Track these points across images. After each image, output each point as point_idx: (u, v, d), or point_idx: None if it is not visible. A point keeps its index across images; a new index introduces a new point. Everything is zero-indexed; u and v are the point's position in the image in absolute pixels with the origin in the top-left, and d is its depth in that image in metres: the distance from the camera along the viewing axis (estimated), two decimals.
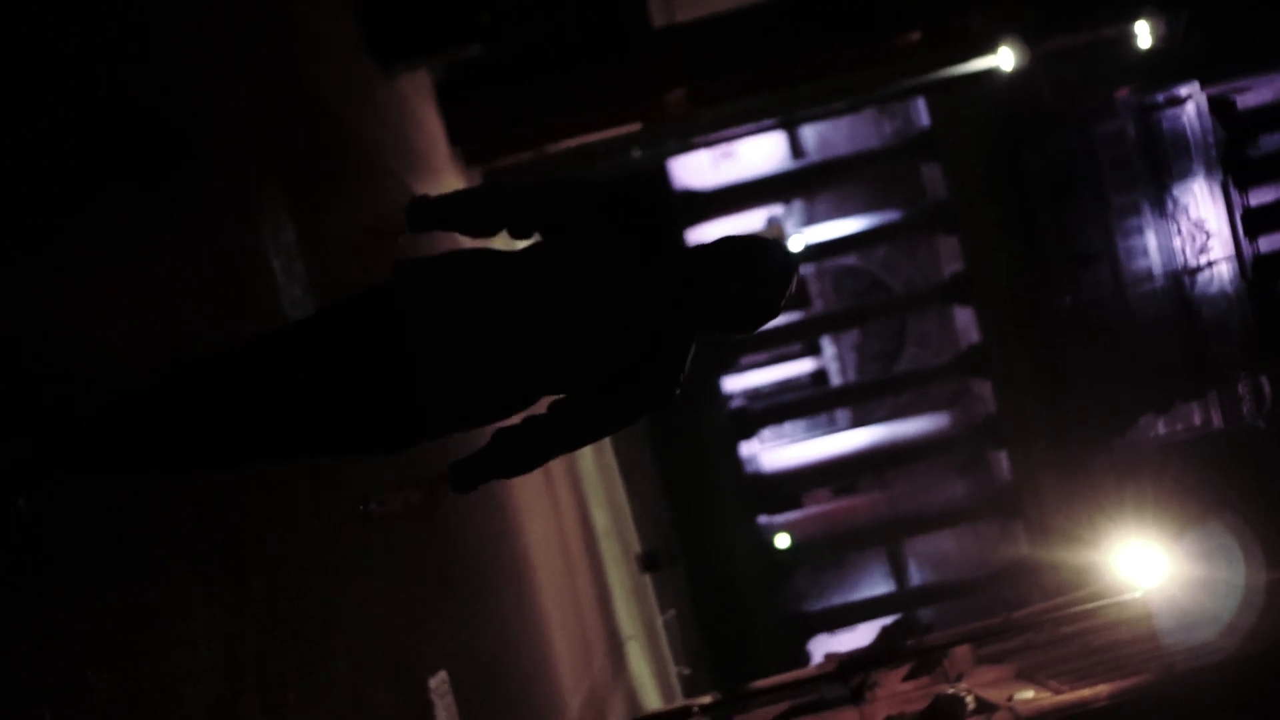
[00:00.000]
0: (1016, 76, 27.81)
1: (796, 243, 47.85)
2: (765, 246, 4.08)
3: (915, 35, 17.48)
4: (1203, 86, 48.21)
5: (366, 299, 3.99)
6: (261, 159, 6.16)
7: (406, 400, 3.94)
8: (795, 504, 51.57)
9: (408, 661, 6.55)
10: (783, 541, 48.86)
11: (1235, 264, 54.35)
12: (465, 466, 4.05)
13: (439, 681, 6.95)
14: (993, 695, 17.58)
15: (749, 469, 50.24)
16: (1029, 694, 17.54)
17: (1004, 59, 25.65)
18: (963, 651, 18.97)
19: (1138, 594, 18.40)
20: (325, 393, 3.89)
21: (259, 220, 5.64)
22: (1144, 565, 17.85)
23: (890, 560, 52.50)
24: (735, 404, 46.68)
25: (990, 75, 26.97)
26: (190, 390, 3.85)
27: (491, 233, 4.14)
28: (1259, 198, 54.70)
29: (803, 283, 54.65)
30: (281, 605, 4.82)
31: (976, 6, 17.73)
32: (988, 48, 24.41)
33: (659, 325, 4.02)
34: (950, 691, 17.41)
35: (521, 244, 4.19)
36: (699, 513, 41.37)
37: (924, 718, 17.52)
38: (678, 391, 4.08)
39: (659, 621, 31.33)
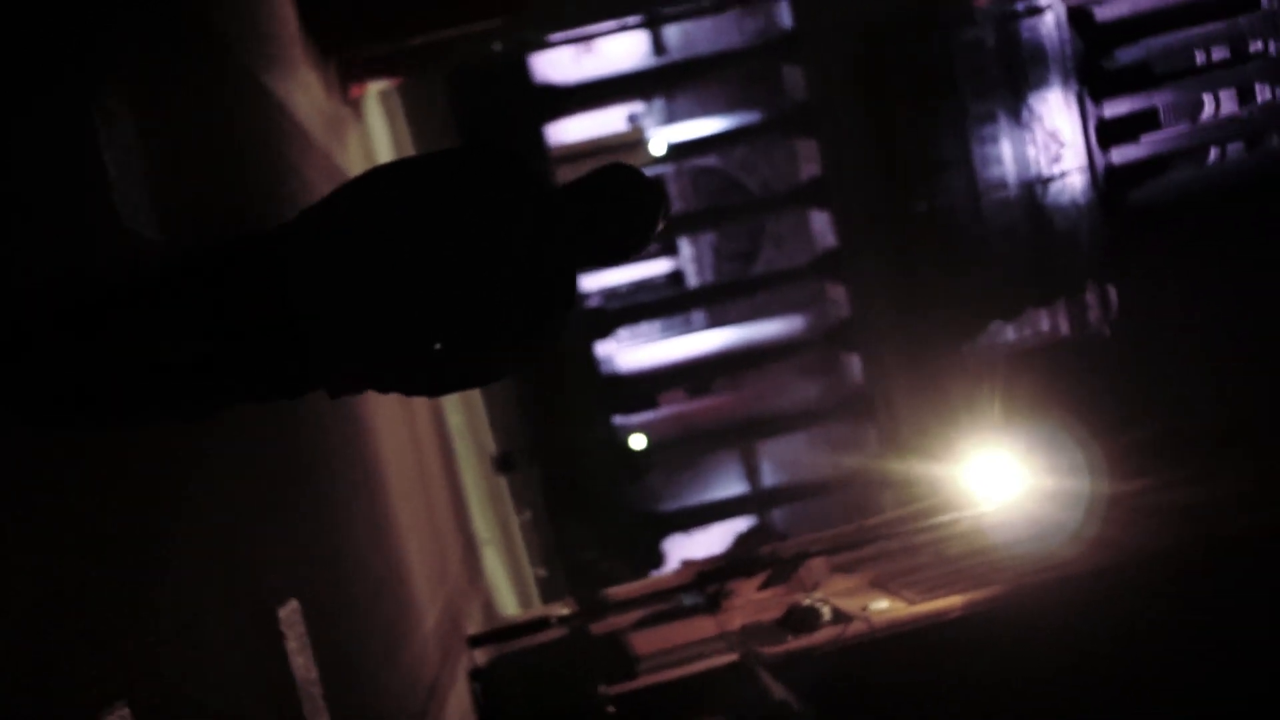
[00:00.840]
0: None
1: (657, 143, 47.50)
2: (634, 177, 4.18)
3: None
4: None
5: (251, 251, 4.05)
6: (99, 49, 5.62)
7: (300, 356, 4.03)
8: (651, 404, 51.65)
9: (254, 594, 6.16)
10: (638, 442, 48.93)
11: (1088, 174, 55.15)
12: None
13: (289, 612, 6.59)
14: (848, 605, 17.68)
15: (605, 369, 50.12)
16: (884, 604, 17.67)
17: None
18: (818, 561, 19.05)
19: (986, 506, 18.60)
20: (219, 358, 4.00)
21: (95, 116, 5.12)
22: (994, 478, 18.02)
23: (744, 462, 52.91)
24: (591, 303, 46.43)
25: None
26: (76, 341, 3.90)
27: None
28: (1113, 109, 55.45)
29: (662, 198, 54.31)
30: (100, 532, 4.38)
31: None
32: None
33: (544, 270, 4.11)
34: (806, 602, 17.47)
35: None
36: (555, 413, 41.18)
37: (780, 626, 17.58)
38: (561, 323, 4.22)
39: (515, 524, 31.19)
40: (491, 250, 4.05)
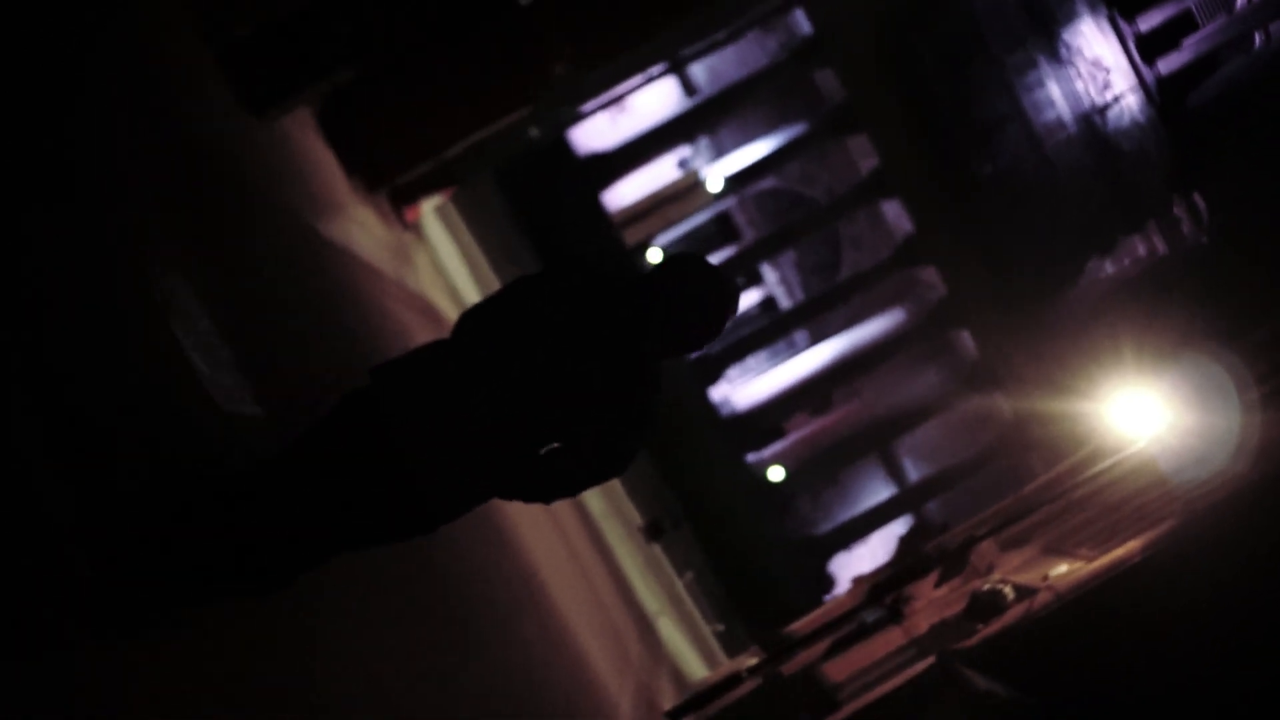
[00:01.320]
0: None
1: (714, 180, 47.44)
2: (702, 272, 4.40)
3: None
4: None
5: (350, 414, 4.24)
6: (157, 243, 5.69)
7: (418, 504, 4.24)
8: (778, 434, 51.35)
9: None
10: (776, 474, 48.62)
11: (1140, 92, 54.32)
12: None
13: None
14: (1028, 578, 17.33)
15: (724, 412, 49.95)
16: (1063, 568, 17.30)
17: None
18: (986, 544, 18.73)
19: (1139, 443, 18.20)
20: (342, 522, 4.23)
21: (167, 314, 5.17)
22: (1137, 411, 17.65)
23: (885, 465, 52.38)
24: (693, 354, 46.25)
25: None
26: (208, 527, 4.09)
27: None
28: (1147, 22, 54.58)
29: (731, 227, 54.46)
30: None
31: None
32: None
33: (625, 369, 4.34)
34: (985, 587, 17.15)
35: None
36: (688, 467, 41.08)
37: (967, 618, 17.27)
38: (657, 413, 4.45)
39: (680, 587, 31.06)
40: (580, 354, 4.31)
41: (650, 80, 34.13)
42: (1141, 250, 55.78)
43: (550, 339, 4.31)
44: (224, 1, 10.96)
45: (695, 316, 4.39)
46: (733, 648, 28.28)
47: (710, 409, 48.03)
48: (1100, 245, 54.94)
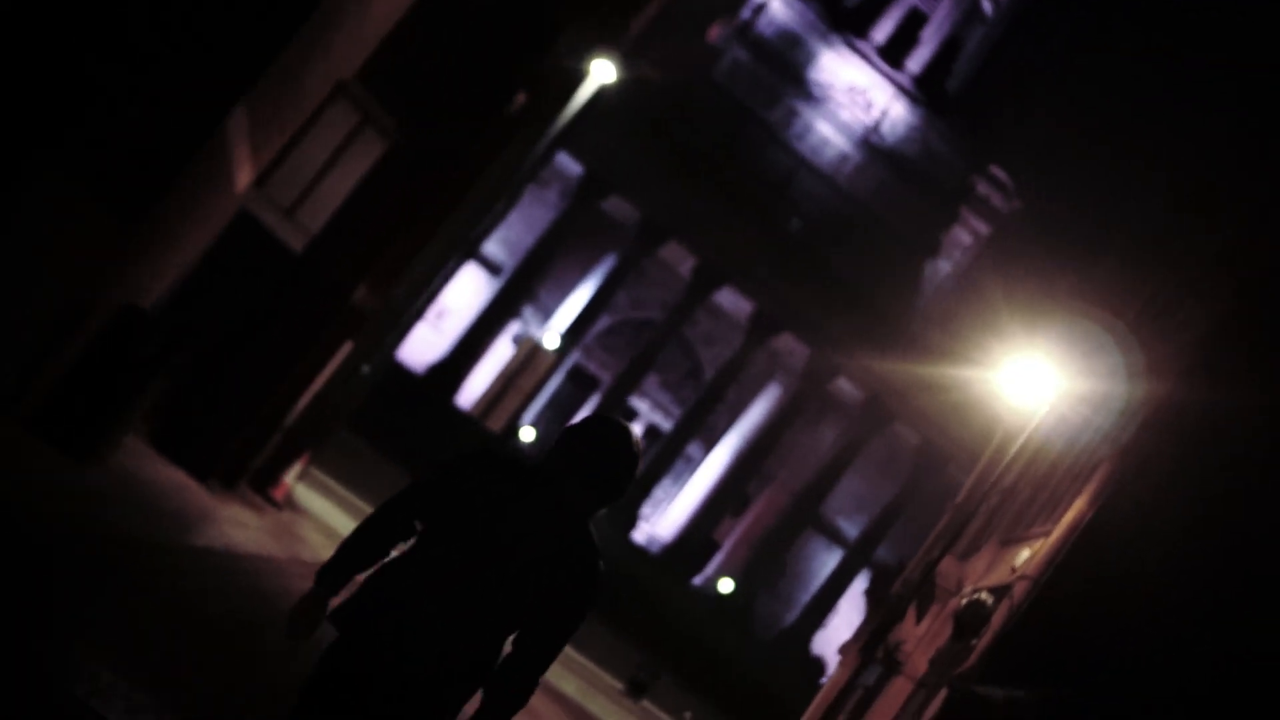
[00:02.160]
0: (624, 81, 27.97)
1: (550, 339, 47.56)
2: (590, 432, 4.67)
3: (521, 98, 17.17)
4: None
5: (332, 667, 4.55)
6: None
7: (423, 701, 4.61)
8: (713, 548, 51.05)
9: None
10: (726, 586, 48.24)
11: (902, 97, 55.77)
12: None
13: None
14: (998, 577, 17.25)
15: (654, 550, 49.59)
16: (1025, 553, 17.25)
17: (604, 73, 25.74)
18: (945, 563, 18.63)
19: (1041, 411, 18.31)
20: None
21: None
22: (1033, 383, 17.77)
23: (823, 533, 52.31)
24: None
25: (603, 93, 27.04)
26: None
27: (388, 552, 4.80)
28: (881, 32, 56.21)
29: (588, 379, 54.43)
30: None
31: (553, 44, 17.40)
32: (583, 74, 24.44)
33: (557, 532, 4.65)
34: (963, 602, 17.03)
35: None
36: (642, 616, 40.52)
37: (959, 639, 17.10)
38: (601, 565, 4.71)
39: None
40: (514, 522, 4.65)
41: (451, 275, 34.13)
42: (966, 237, 56.96)
43: (484, 514, 4.62)
44: (13, 377, 10.69)
45: (606, 463, 4.63)
46: None
47: (640, 551, 47.57)
48: (928, 247, 55.94)
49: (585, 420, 4.61)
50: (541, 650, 4.65)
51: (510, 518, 4.59)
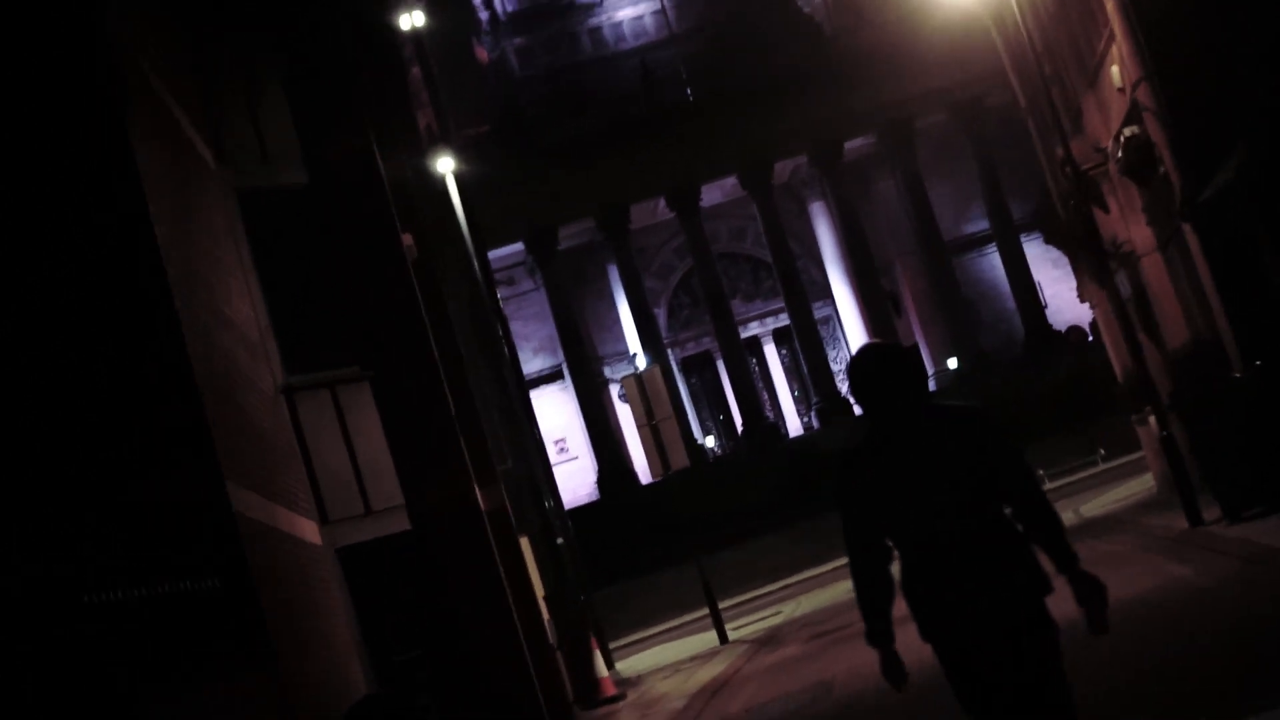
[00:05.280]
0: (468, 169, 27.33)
1: (641, 363, 46.64)
2: (855, 372, 5.37)
3: (408, 240, 16.36)
4: None
5: (957, 663, 5.22)
6: None
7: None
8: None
9: None
10: None
11: (654, 6, 54.29)
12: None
13: None
14: (1118, 107, 15.99)
15: None
16: (1114, 70, 16.04)
17: (446, 166, 24.99)
18: (1076, 147, 17.39)
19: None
20: None
21: None
22: None
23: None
24: None
25: (462, 182, 26.27)
26: None
27: (889, 577, 5.35)
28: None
29: None
30: None
31: (379, 191, 16.53)
32: (433, 184, 23.71)
33: (929, 434, 5.27)
34: (1119, 155, 15.84)
35: None
36: None
37: (1147, 182, 15.89)
38: (974, 406, 5.42)
39: None
40: (919, 470, 5.18)
41: (527, 414, 33.41)
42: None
43: (895, 483, 5.27)
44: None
45: (878, 378, 5.30)
46: None
47: None
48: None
49: (849, 370, 5.33)
50: (1021, 488, 5.11)
51: (904, 463, 5.15)
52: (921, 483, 5.10)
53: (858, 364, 5.27)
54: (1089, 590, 5.00)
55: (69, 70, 9.84)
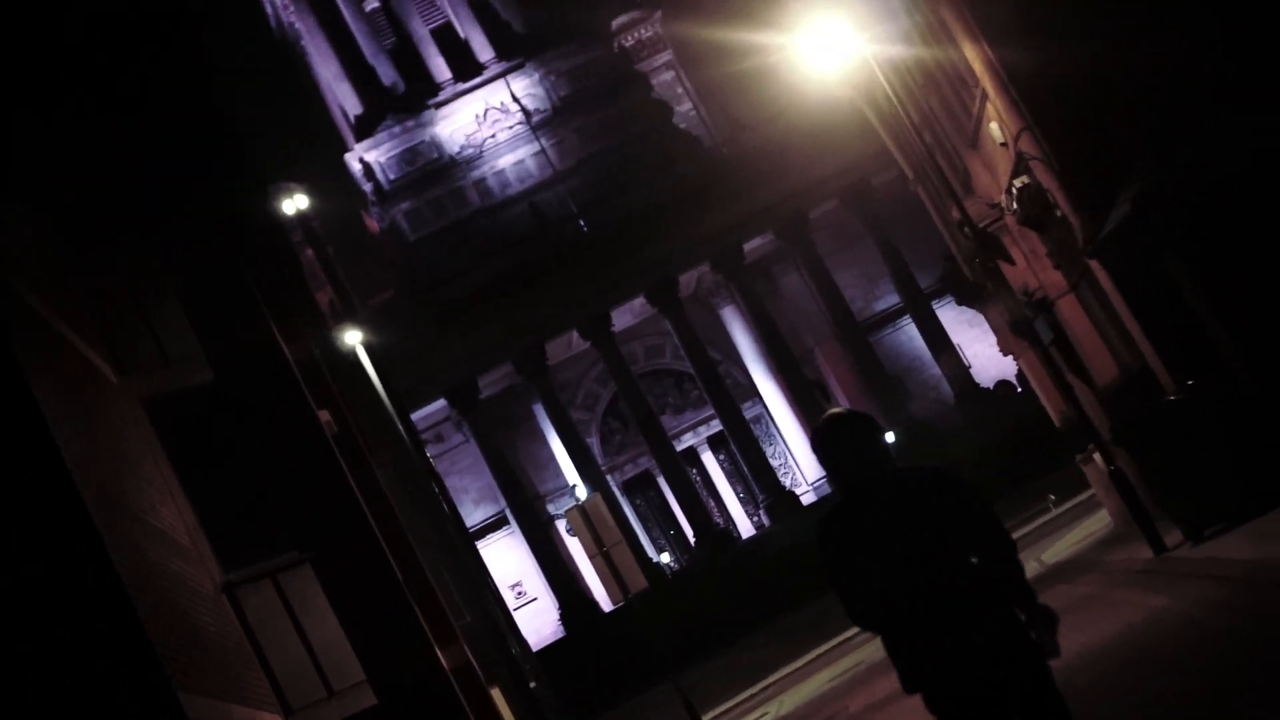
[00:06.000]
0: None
1: (581, 494, 46.33)
2: (820, 444, 5.79)
3: (325, 416, 16.13)
4: None
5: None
6: None
7: None
8: None
9: None
10: None
11: (534, 148, 54.95)
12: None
13: None
14: (1006, 160, 16.16)
15: None
16: (993, 126, 16.20)
17: (353, 338, 24.87)
18: (970, 205, 17.52)
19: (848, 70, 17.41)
20: None
21: None
22: (832, 45, 16.80)
23: None
24: None
25: (375, 351, 26.18)
26: None
27: (903, 630, 5.70)
28: (438, 69, 55.08)
29: None
30: None
31: (290, 380, 16.33)
32: (346, 358, 23.60)
33: (901, 498, 5.70)
34: (1014, 205, 15.96)
35: None
36: None
37: (1044, 228, 16.03)
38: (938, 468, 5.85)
39: None
40: (897, 531, 5.59)
41: (479, 566, 32.97)
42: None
43: (880, 547, 5.65)
44: None
45: (840, 447, 5.73)
46: None
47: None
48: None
49: (814, 441, 5.72)
50: (991, 539, 5.53)
51: (882, 526, 5.49)
52: (897, 539, 5.44)
53: (822, 433, 5.64)
54: (1041, 618, 5.43)
55: None
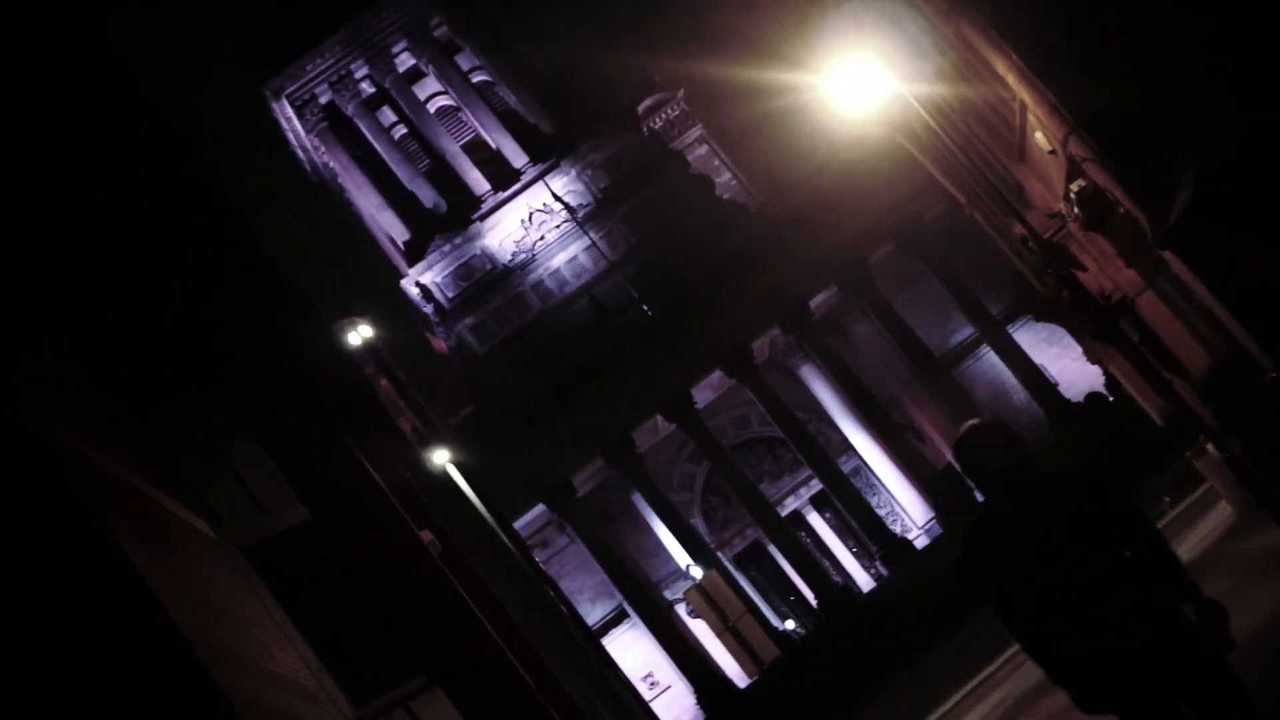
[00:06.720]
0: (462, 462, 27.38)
1: (697, 573, 45.95)
2: (960, 458, 5.96)
3: (428, 536, 16.09)
4: None
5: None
6: None
7: None
8: None
9: None
10: None
11: (584, 242, 55.39)
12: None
13: None
14: (1057, 166, 15.95)
15: None
16: (1038, 135, 16.03)
17: (442, 457, 24.88)
18: (1032, 218, 17.30)
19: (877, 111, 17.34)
20: None
21: None
22: (861, 84, 16.71)
23: None
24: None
25: (467, 470, 26.21)
26: None
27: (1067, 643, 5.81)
28: (476, 183, 55.88)
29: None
30: None
31: (386, 506, 16.37)
32: (436, 479, 23.60)
33: (1050, 507, 5.78)
34: (1075, 210, 15.76)
35: None
36: None
37: (1109, 230, 15.78)
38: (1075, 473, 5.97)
39: None
40: (1051, 540, 5.76)
41: (612, 673, 32.74)
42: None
43: (1037, 558, 5.86)
44: None
45: (977, 456, 5.90)
46: None
47: None
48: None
49: (957, 453, 5.86)
50: (1141, 534, 5.61)
51: (1036, 538, 5.53)
52: (1051, 540, 5.54)
53: (964, 444, 5.83)
54: (1212, 613, 5.50)
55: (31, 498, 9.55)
